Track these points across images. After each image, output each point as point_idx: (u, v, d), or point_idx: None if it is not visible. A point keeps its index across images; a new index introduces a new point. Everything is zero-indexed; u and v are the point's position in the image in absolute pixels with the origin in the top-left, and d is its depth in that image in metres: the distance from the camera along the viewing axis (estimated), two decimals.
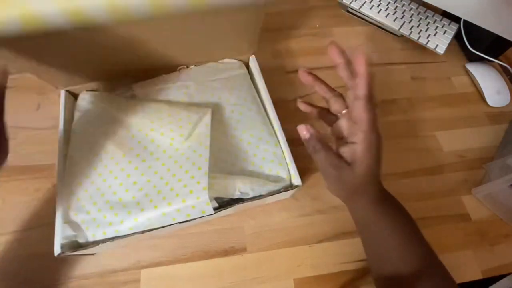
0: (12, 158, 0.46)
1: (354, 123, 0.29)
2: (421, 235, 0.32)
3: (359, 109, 0.28)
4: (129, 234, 0.36)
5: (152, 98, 0.45)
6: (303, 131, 0.31)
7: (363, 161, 0.28)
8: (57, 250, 0.34)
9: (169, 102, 0.44)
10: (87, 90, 0.45)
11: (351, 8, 0.64)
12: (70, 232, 0.36)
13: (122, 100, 0.43)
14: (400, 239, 0.31)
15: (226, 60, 0.49)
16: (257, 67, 0.48)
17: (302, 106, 0.34)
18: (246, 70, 0.49)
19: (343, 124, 0.31)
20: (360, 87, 0.27)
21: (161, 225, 0.36)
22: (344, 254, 0.43)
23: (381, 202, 0.31)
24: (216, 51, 0.47)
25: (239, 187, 0.38)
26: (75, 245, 0.37)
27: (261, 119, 0.45)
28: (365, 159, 0.28)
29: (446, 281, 0.30)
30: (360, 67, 0.27)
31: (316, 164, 0.31)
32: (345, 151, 0.29)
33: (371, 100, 0.28)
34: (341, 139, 0.31)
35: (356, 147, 0.28)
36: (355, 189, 0.30)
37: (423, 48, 0.59)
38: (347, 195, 0.32)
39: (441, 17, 0.62)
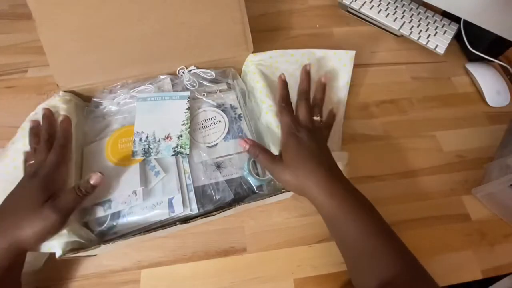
0: None
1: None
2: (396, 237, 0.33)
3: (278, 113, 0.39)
4: (131, 236, 0.36)
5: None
6: (243, 144, 0.37)
7: (284, 158, 0.36)
8: (58, 252, 0.34)
9: None
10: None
11: (351, 8, 0.64)
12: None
13: None
14: (374, 242, 0.32)
15: None
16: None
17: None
18: None
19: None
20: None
21: None
22: None
23: (334, 195, 0.34)
24: (213, 47, 0.47)
25: None
26: (76, 246, 0.36)
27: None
28: (285, 158, 0.36)
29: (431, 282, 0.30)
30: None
31: (261, 165, 0.38)
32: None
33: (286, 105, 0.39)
34: None
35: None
36: (296, 183, 0.35)
37: (423, 48, 0.59)
38: (295, 188, 0.36)
39: (441, 17, 0.62)
